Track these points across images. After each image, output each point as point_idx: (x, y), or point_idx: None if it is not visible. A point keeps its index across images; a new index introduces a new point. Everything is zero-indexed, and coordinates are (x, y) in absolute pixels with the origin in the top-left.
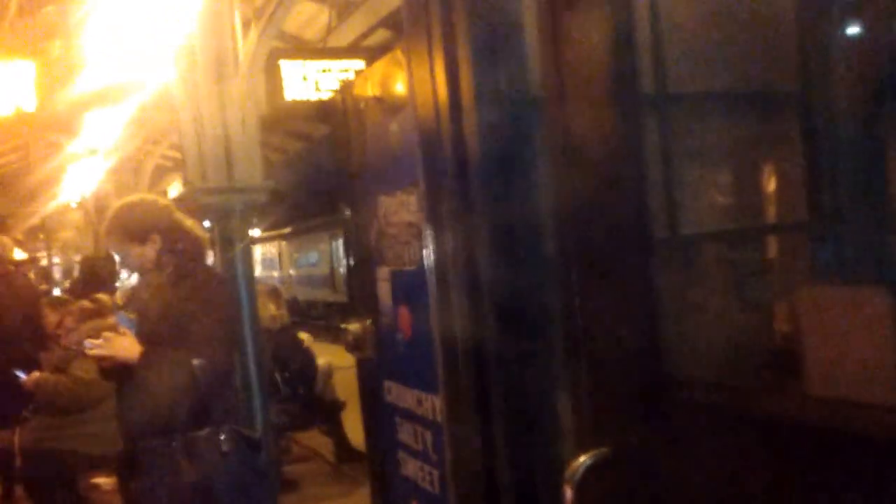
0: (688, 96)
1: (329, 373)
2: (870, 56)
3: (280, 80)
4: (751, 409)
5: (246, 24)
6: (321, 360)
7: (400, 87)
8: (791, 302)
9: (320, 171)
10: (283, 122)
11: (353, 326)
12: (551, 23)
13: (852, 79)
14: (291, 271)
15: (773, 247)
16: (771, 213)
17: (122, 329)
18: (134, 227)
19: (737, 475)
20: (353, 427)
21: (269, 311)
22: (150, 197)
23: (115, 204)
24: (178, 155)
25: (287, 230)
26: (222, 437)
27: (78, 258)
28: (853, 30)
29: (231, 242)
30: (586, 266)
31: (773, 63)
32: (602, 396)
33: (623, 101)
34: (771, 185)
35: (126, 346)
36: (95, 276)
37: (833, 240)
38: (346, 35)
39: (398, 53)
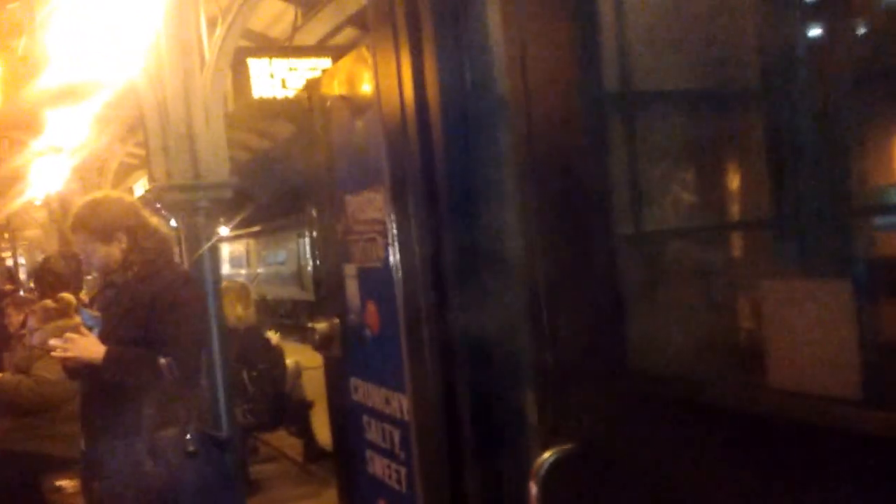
0: (651, 94)
1: (297, 372)
2: (832, 53)
3: (247, 77)
4: (715, 403)
5: (212, 22)
6: (289, 360)
7: (366, 85)
8: (753, 296)
9: (288, 169)
10: (250, 120)
11: (321, 325)
12: (516, 21)
13: (814, 76)
14: (259, 270)
15: (736, 243)
16: (734, 209)
17: (83, 329)
18: (99, 225)
19: (701, 468)
20: (322, 427)
21: (236, 310)
22: (115, 194)
23: (79, 201)
24: (143, 152)
25: (255, 228)
26: (188, 438)
27: (42, 258)
28: (815, 27)
29: (197, 240)
30: (552, 262)
31: (735, 61)
32: (567, 392)
33: (587, 98)
34: (734, 182)
35: (89, 346)
36: (54, 276)
37: (796, 236)
38: (314, 33)
39: (364, 51)
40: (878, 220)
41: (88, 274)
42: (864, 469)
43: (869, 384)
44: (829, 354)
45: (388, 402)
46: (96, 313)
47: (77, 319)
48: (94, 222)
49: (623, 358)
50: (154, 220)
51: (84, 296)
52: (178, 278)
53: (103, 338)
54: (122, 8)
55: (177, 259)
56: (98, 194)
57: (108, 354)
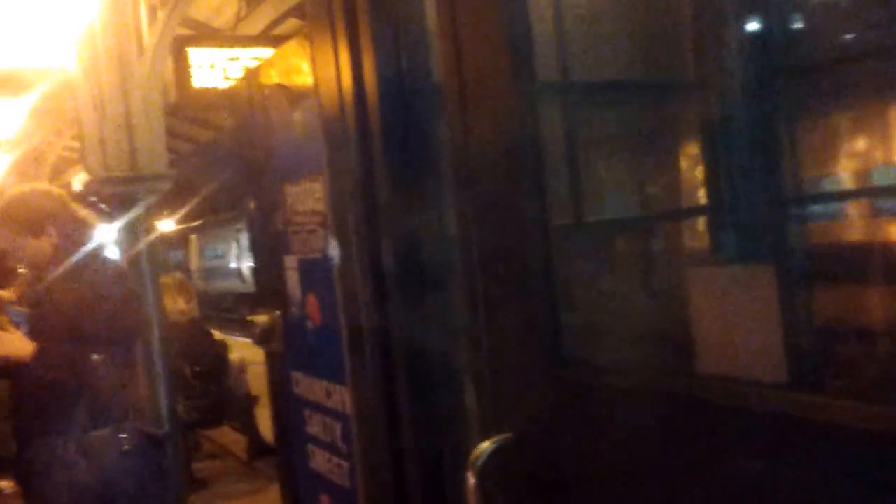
0: (587, 85)
1: (242, 367)
2: (768, 43)
3: (188, 67)
4: (648, 390)
5: (152, 10)
6: (234, 355)
7: (304, 75)
8: (684, 283)
9: (230, 160)
10: (191, 110)
11: (261, 318)
12: (452, 9)
13: (750, 67)
14: (202, 264)
15: (669, 233)
16: (668, 200)
17: (10, 326)
18: (27, 219)
19: (636, 454)
20: (267, 423)
21: (178, 303)
22: (43, 186)
23: (6, 195)
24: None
25: (197, 223)
26: (123, 436)
27: None
28: (752, 18)
29: (135, 233)
30: (488, 251)
31: (671, 51)
32: (504, 382)
33: (522, 87)
34: (670, 171)
35: (17, 343)
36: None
37: (731, 224)
38: (256, 24)
39: (302, 40)
40: (804, 210)
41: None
42: (794, 451)
43: (794, 368)
44: (757, 340)
45: (329, 395)
46: (24, 309)
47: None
48: (21, 216)
49: (559, 346)
50: (83, 213)
51: (12, 292)
52: (109, 272)
53: (33, 335)
54: None
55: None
56: (24, 187)
57: (36, 352)
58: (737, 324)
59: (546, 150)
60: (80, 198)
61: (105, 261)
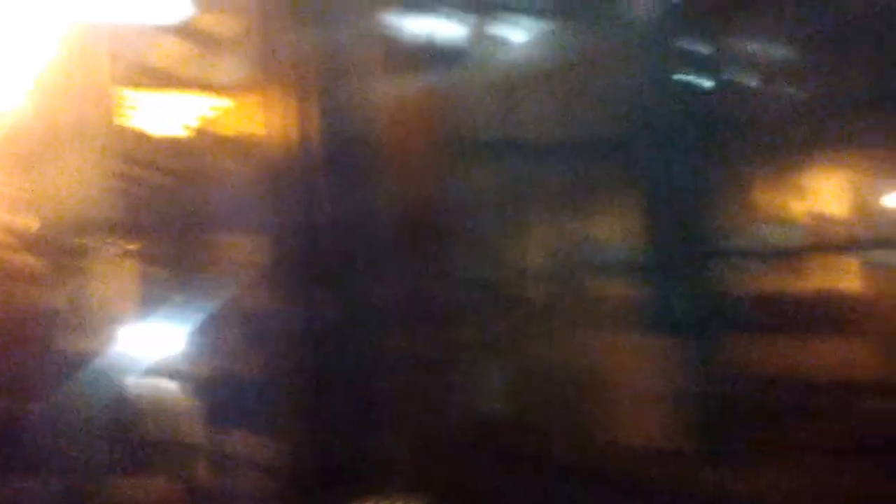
0: (516, 143)
1: None
2: (700, 104)
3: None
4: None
5: None
6: None
7: (251, 129)
8: (591, 351)
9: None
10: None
11: None
12: (394, 80)
13: (683, 125)
14: None
15: (583, 290)
16: (589, 255)
17: None
18: None
19: None
20: None
21: None
22: None
23: None
24: None
25: None
26: None
27: None
28: (685, 77)
29: None
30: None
31: (604, 110)
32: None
33: (445, 148)
34: (595, 228)
35: None
36: None
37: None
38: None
39: (252, 92)
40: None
41: None
42: None
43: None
44: (661, 408)
45: None
46: None
47: None
48: None
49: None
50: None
51: None
52: None
53: None
54: None
55: None
56: None
57: None
58: (638, 392)
59: (465, 207)
60: None
61: None
